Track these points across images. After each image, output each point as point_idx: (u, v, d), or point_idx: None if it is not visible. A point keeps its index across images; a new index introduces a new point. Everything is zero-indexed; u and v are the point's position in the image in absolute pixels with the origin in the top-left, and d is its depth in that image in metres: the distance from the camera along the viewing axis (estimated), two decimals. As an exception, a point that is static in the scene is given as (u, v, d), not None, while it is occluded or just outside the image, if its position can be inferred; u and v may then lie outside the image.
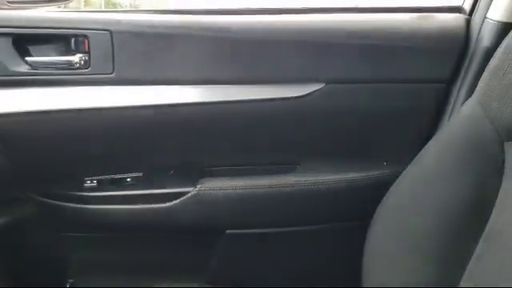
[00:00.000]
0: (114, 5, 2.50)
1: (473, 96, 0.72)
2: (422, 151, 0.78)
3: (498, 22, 0.84)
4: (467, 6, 0.91)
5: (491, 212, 0.67)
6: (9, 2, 0.98)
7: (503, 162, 0.66)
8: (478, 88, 0.71)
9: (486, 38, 0.85)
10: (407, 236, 0.76)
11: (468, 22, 0.90)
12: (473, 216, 0.68)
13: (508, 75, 0.66)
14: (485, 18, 0.87)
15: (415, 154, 0.79)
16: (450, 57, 0.89)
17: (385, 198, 0.81)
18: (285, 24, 0.90)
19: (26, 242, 1.02)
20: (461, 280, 0.67)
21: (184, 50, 0.88)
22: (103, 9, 0.95)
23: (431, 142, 0.78)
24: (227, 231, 1.01)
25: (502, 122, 0.66)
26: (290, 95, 0.89)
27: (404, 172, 0.79)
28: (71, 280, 1.08)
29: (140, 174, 0.98)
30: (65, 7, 1.07)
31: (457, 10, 0.93)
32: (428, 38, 0.89)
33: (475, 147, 0.70)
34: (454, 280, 0.67)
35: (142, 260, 1.05)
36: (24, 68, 0.87)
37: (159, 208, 0.97)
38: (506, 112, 0.65)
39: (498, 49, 0.70)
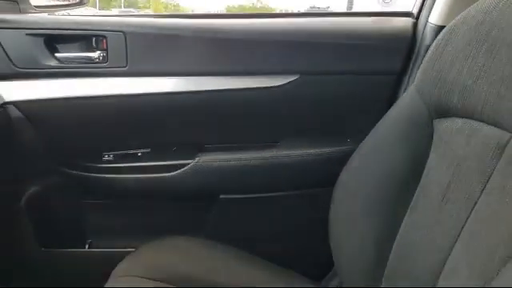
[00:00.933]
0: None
1: (413, 84, 0.88)
2: (374, 128, 0.93)
3: (435, 25, 1.00)
4: (415, 12, 1.07)
5: (422, 174, 0.81)
6: (36, 7, 1.13)
7: (432, 135, 0.81)
8: (416, 77, 0.86)
9: (427, 37, 1.02)
10: (361, 196, 0.91)
11: (415, 25, 1.06)
12: (410, 178, 0.82)
13: (436, 66, 0.81)
14: (427, 21, 1.04)
15: None
16: (400, 53, 1.05)
17: (345, 167, 0.96)
18: (267, 26, 1.07)
19: (53, 207, 1.17)
20: (399, 229, 0.81)
21: (183, 47, 1.03)
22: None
23: (381, 120, 0.92)
24: (220, 196, 1.16)
25: (431, 102, 0.81)
26: (271, 85, 1.05)
27: (360, 144, 0.95)
28: (89, 240, 1.22)
29: (148, 150, 1.13)
30: (85, 10, 1.23)
31: (407, 14, 1.09)
32: (382, 37, 1.06)
33: (412, 124, 0.85)
34: (393, 229, 0.82)
35: (150, 222, 1.20)
36: (53, 62, 1.03)
37: (164, 177, 1.12)
38: (434, 94, 0.80)
39: (431, 45, 0.85)
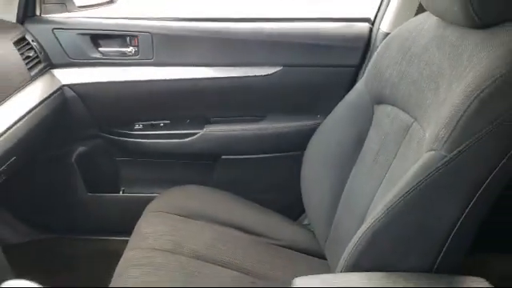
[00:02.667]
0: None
1: (362, 77, 1.09)
2: (335, 108, 1.13)
3: (384, 32, 1.22)
4: (372, 19, 1.29)
5: (364, 143, 1.03)
6: (79, 7, 1.31)
7: (372, 116, 1.03)
8: (365, 72, 1.07)
9: (378, 41, 1.23)
10: (323, 157, 1.13)
11: (370, 30, 1.27)
12: (355, 145, 1.04)
13: (377, 66, 1.01)
14: (379, 28, 1.25)
15: None
16: (358, 51, 1.27)
17: (313, 136, 1.19)
18: (258, 29, 1.28)
19: (95, 162, 1.40)
20: (347, 181, 1.04)
21: (195, 44, 1.25)
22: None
23: (340, 103, 1.12)
24: (222, 156, 1.38)
25: (372, 92, 1.02)
26: (261, 74, 1.28)
27: (325, 120, 1.16)
28: (123, 188, 1.45)
29: (168, 121, 1.35)
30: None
31: (367, 20, 1.30)
32: (345, 39, 1.27)
33: (359, 107, 1.06)
34: (343, 181, 1.04)
35: (169, 175, 1.41)
36: (97, 55, 1.26)
37: (180, 142, 1.34)
38: (375, 87, 1.01)
39: (377, 48, 1.06)
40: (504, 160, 0.69)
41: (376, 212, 0.74)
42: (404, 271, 0.73)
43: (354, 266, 0.74)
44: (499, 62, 0.69)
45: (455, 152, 0.68)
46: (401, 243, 0.74)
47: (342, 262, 0.76)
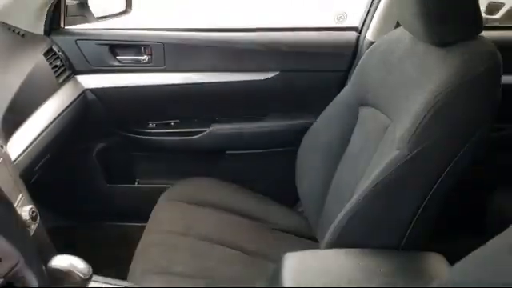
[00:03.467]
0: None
1: (350, 81, 1.20)
2: (325, 109, 1.23)
3: (369, 40, 1.34)
4: (360, 27, 1.40)
5: (350, 140, 1.15)
6: (97, 18, 1.40)
7: (357, 116, 1.14)
8: (352, 77, 1.18)
9: (364, 48, 1.34)
10: (315, 152, 1.24)
11: (358, 38, 1.38)
12: (343, 142, 1.15)
13: (363, 72, 1.13)
14: (365, 37, 1.36)
15: None
16: (346, 58, 1.38)
17: (307, 133, 1.29)
18: (258, 38, 1.40)
19: (113, 157, 1.53)
20: (335, 173, 1.15)
21: (202, 52, 1.37)
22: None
23: (330, 104, 1.23)
24: (227, 152, 1.50)
25: (358, 95, 1.12)
26: (260, 78, 1.39)
27: (317, 119, 1.26)
28: (138, 179, 1.57)
29: (178, 121, 1.47)
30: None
31: (354, 29, 1.41)
32: (335, 46, 1.39)
33: (347, 108, 1.17)
34: (332, 172, 1.15)
35: (179, 168, 1.52)
36: (115, 62, 1.38)
37: (189, 139, 1.46)
38: (360, 91, 1.11)
39: (363, 55, 1.17)
40: (456, 158, 0.83)
41: (353, 199, 0.89)
42: (376, 247, 0.88)
43: (335, 244, 0.89)
44: (452, 77, 0.83)
45: (416, 151, 0.83)
46: (372, 225, 0.89)
47: (325, 241, 0.91)
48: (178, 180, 1.38)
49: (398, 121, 0.95)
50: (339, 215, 0.90)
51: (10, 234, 0.52)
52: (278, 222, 1.29)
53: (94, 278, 0.76)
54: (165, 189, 1.35)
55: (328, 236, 0.90)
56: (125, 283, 0.94)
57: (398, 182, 0.85)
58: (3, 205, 0.52)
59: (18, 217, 0.57)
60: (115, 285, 0.89)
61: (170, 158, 1.54)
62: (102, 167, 1.52)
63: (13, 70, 1.10)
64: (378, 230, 0.89)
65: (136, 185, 1.57)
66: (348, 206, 0.89)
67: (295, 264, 0.83)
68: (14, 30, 1.21)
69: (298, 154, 1.33)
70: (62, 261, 0.73)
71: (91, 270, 0.74)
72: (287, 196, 1.42)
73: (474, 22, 0.87)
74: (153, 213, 1.26)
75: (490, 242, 0.51)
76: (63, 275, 0.71)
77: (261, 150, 1.51)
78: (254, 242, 1.18)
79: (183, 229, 1.17)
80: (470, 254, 0.52)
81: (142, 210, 1.29)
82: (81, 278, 0.72)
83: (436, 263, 0.84)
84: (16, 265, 0.53)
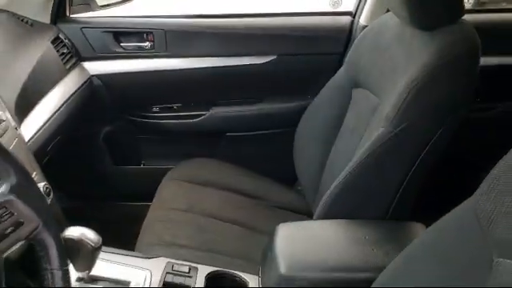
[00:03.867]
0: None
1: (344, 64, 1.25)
2: (321, 90, 1.28)
3: (362, 24, 1.38)
4: (354, 12, 1.44)
5: (344, 120, 1.19)
6: (101, 6, 1.47)
7: (350, 97, 1.19)
8: (346, 59, 1.24)
9: (358, 32, 1.38)
10: (312, 132, 1.29)
11: (352, 22, 1.43)
12: (337, 122, 1.20)
13: (355, 55, 1.17)
14: (358, 21, 1.41)
15: None
16: (341, 41, 1.43)
17: (304, 114, 1.35)
18: (256, 24, 1.45)
19: (119, 140, 1.59)
20: (330, 152, 1.20)
21: (202, 38, 1.42)
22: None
23: (325, 86, 1.27)
24: (226, 134, 1.56)
25: (351, 77, 1.18)
26: (258, 62, 1.44)
27: (313, 100, 1.32)
28: (143, 161, 1.64)
29: (180, 104, 1.53)
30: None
31: (349, 13, 1.45)
32: (330, 30, 1.44)
33: (341, 90, 1.22)
34: (328, 151, 1.20)
35: (181, 149, 1.58)
36: (119, 49, 1.43)
37: (191, 122, 1.52)
38: (353, 73, 1.17)
39: (356, 39, 1.22)
40: (436, 136, 0.89)
41: (342, 173, 0.95)
42: (364, 218, 0.95)
43: (326, 214, 0.96)
44: (433, 58, 0.89)
45: (399, 129, 0.89)
46: (360, 196, 0.96)
47: (317, 213, 0.98)
48: (181, 161, 1.44)
49: (385, 101, 1.00)
50: (331, 187, 0.96)
51: (30, 200, 0.59)
52: (276, 199, 1.35)
53: (104, 248, 0.81)
54: (169, 169, 1.40)
55: (320, 208, 0.97)
56: (132, 253, 1.01)
57: (384, 157, 0.91)
58: (22, 174, 0.59)
59: (35, 186, 0.63)
60: (123, 254, 0.96)
61: (174, 140, 1.60)
62: (109, 150, 1.59)
63: (23, 58, 1.16)
64: (366, 201, 0.96)
65: (141, 166, 1.63)
66: (338, 180, 0.95)
67: (287, 233, 0.90)
68: (22, 20, 1.27)
69: (295, 135, 1.38)
70: (74, 231, 0.78)
71: (101, 240, 0.79)
72: (286, 175, 1.46)
73: (456, 7, 0.92)
74: (157, 192, 1.32)
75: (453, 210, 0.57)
76: (75, 244, 0.77)
77: (260, 132, 1.56)
78: (253, 218, 1.25)
79: (186, 206, 1.24)
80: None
81: (147, 190, 1.35)
82: (92, 246, 0.77)
83: (418, 231, 0.91)
84: (36, 228, 0.60)
